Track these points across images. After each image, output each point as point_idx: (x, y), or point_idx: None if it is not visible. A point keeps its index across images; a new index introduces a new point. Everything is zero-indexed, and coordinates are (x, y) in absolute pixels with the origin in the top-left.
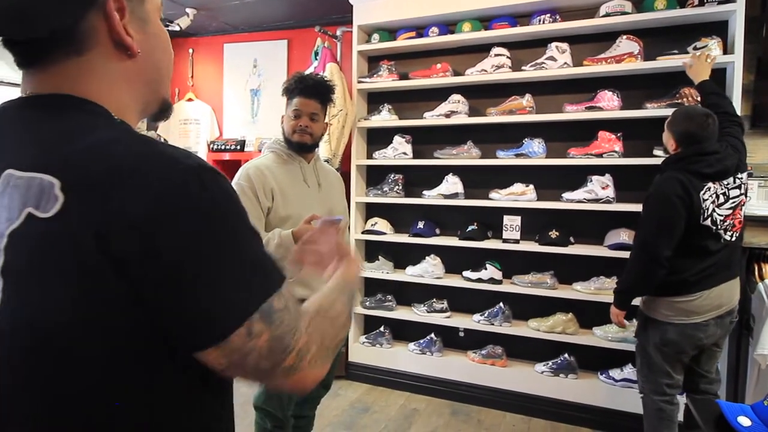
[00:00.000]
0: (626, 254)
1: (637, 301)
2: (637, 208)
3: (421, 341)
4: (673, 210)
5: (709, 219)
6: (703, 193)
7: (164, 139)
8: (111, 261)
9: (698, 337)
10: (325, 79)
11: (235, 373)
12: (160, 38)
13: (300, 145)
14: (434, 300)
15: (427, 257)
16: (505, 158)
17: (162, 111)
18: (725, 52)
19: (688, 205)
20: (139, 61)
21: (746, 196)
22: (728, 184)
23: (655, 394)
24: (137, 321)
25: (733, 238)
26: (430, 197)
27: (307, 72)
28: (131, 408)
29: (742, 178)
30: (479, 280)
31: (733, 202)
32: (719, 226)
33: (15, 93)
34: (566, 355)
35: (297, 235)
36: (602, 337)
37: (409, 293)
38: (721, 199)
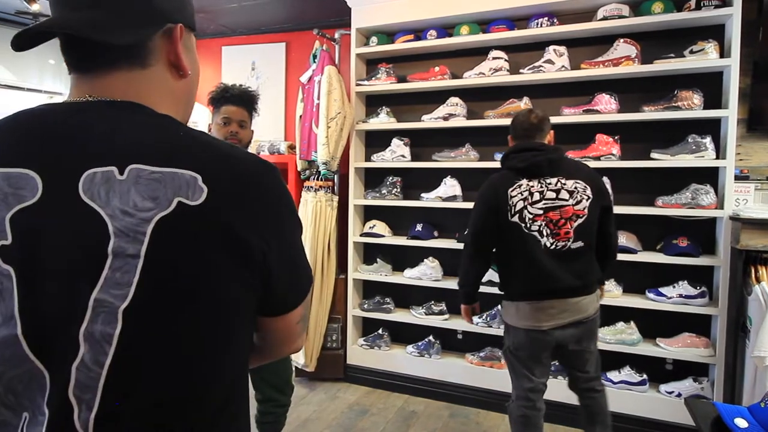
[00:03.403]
0: (624, 257)
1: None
2: (636, 210)
3: (420, 343)
4: (481, 207)
5: (517, 216)
6: (512, 190)
7: None
8: (246, 239)
9: (546, 341)
10: (249, 88)
11: (303, 325)
12: (197, 67)
13: None
14: (432, 302)
15: (425, 260)
16: None
17: None
18: (722, 55)
19: (493, 204)
20: (185, 82)
21: (576, 209)
22: (550, 183)
23: (518, 400)
24: (252, 291)
25: (557, 247)
26: (429, 200)
27: (306, 75)
28: (232, 368)
29: (567, 185)
30: None
31: (547, 204)
32: (528, 225)
33: (11, 95)
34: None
35: None
36: (600, 339)
37: (407, 296)
38: (536, 197)
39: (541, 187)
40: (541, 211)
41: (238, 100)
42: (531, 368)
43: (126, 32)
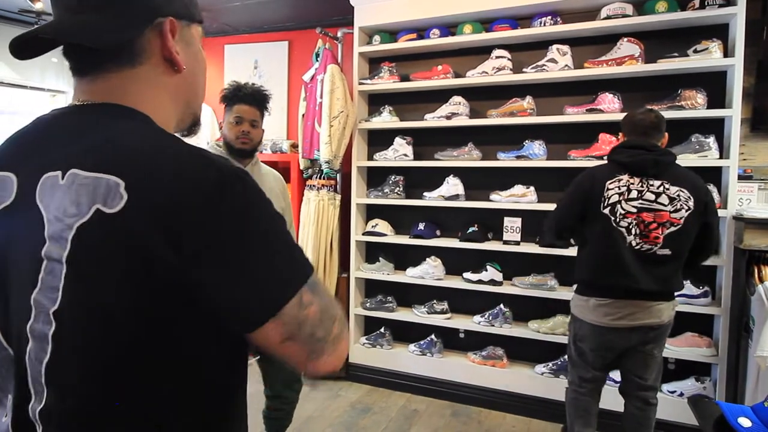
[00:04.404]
0: None
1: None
2: None
3: (422, 342)
4: (573, 192)
5: (609, 208)
6: (610, 182)
7: None
8: (170, 249)
9: (610, 339)
10: (262, 88)
11: (293, 346)
12: (199, 61)
13: (241, 151)
14: (435, 301)
15: (427, 259)
16: (505, 160)
17: (192, 126)
18: (726, 55)
19: (587, 191)
20: (183, 77)
21: (673, 217)
22: (652, 185)
23: (572, 385)
24: (190, 306)
25: (643, 248)
26: (431, 199)
27: (308, 73)
28: (176, 391)
29: (670, 191)
30: (480, 282)
31: (643, 204)
32: (618, 219)
33: (14, 93)
34: (566, 357)
35: None
36: None
37: (409, 294)
38: (633, 194)
39: (642, 186)
40: (634, 210)
41: (251, 100)
42: (589, 360)
43: (110, 33)
